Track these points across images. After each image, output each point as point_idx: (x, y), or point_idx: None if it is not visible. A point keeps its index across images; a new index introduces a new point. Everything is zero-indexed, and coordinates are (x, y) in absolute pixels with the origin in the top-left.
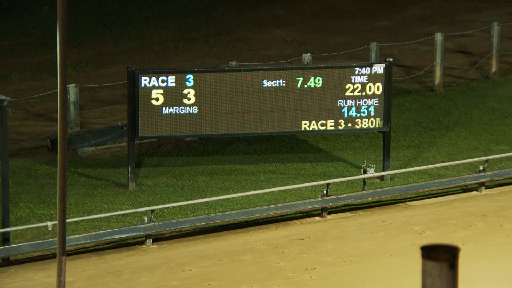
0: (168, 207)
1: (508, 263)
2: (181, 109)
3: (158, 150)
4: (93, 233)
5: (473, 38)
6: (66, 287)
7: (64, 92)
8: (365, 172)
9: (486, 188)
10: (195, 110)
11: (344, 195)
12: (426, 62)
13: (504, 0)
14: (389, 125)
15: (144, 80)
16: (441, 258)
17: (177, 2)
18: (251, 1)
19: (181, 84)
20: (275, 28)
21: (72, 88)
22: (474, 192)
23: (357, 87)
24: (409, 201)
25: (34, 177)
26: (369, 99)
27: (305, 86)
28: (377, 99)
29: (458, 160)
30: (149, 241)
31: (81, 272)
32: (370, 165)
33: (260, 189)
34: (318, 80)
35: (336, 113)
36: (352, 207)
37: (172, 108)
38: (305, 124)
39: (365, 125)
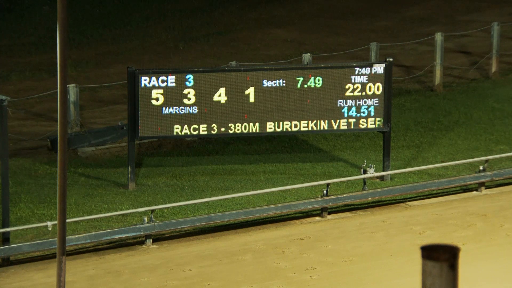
0: (168, 207)
1: (508, 263)
2: (181, 109)
3: (158, 150)
4: (93, 233)
5: (473, 38)
6: (66, 287)
7: (64, 92)
8: (365, 172)
9: (486, 188)
10: (195, 110)
11: (344, 195)
12: (426, 62)
13: (504, 0)
14: (389, 125)
15: (144, 80)
16: (441, 258)
17: (177, 2)
18: (251, 1)
19: (181, 84)
20: (275, 28)
21: (72, 88)
22: (474, 192)
23: (357, 87)
24: (409, 201)
25: (34, 177)
26: (369, 99)
27: (305, 86)
28: (377, 99)
29: (458, 160)
30: (149, 241)
31: (81, 272)
32: (370, 165)
33: (260, 189)
34: (318, 80)
35: (336, 113)
36: (352, 207)
37: (172, 108)
38: (305, 124)
39: (365, 125)
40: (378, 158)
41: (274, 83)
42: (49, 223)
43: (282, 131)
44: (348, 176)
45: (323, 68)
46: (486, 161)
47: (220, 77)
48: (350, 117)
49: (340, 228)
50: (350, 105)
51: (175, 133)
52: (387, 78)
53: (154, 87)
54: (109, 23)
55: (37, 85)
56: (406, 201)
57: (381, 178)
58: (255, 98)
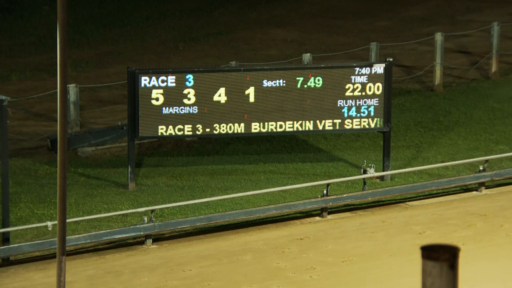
0: (168, 207)
1: (508, 263)
2: (181, 109)
3: (158, 150)
4: (93, 233)
5: (473, 38)
6: (66, 287)
7: (64, 92)
8: (365, 172)
9: (486, 188)
10: (195, 110)
11: (344, 195)
12: (426, 62)
13: (504, 0)
14: (389, 125)
15: (144, 80)
16: (441, 258)
17: (177, 2)
18: (251, 1)
19: (181, 84)
20: (275, 28)
21: (72, 88)
22: (474, 192)
23: (357, 87)
24: (409, 201)
25: (34, 177)
26: (369, 99)
27: (305, 86)
28: (377, 99)
29: (458, 160)
30: (149, 241)
31: (81, 272)
32: (370, 165)
33: (260, 189)
34: (318, 80)
35: (336, 113)
36: (352, 207)
37: (172, 108)
38: (305, 124)
39: (365, 125)
40: (378, 158)
41: (274, 83)
42: (49, 223)
43: (282, 131)
44: (348, 176)
45: (323, 68)
46: (486, 161)
47: (220, 77)
48: (350, 117)
49: (340, 228)
50: (350, 105)
51: (175, 133)
52: (387, 78)
53: (154, 87)
54: (109, 23)
55: (37, 85)
56: (406, 201)
57: (381, 178)
58: (255, 98)
